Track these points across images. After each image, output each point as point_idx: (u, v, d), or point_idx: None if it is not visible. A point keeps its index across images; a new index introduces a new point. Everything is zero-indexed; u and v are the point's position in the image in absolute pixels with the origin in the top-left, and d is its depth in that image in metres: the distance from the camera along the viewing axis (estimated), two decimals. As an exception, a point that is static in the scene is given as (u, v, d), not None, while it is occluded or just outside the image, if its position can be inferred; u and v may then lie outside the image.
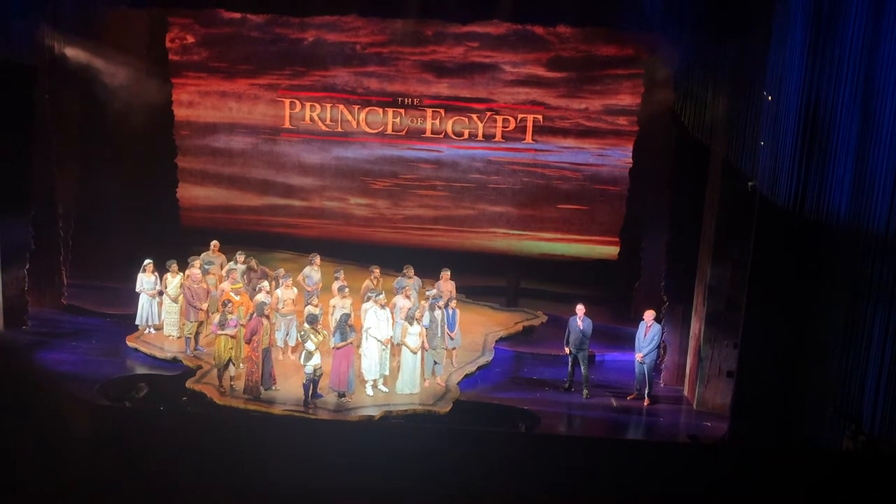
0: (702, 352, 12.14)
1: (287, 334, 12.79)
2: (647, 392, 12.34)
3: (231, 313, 11.86)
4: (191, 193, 17.21)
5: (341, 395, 11.64)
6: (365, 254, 14.85)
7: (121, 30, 15.07)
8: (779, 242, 10.11)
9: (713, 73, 11.35)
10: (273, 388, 11.75)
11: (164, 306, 13.38)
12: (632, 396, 12.48)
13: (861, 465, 6.30)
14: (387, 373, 12.09)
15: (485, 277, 15.76)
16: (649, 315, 12.36)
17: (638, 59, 15.25)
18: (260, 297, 12.19)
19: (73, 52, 14.04)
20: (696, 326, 12.51)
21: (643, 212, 15.25)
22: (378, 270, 13.29)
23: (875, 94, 8.51)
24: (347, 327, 11.61)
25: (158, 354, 12.96)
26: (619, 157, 16.08)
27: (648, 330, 12.26)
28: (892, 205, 8.29)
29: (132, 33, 15.67)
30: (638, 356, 12.31)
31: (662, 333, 12.63)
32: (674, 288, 12.96)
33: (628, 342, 12.92)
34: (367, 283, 13.10)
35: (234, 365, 11.89)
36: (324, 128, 16.70)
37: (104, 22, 14.44)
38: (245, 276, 13.33)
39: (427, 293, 12.95)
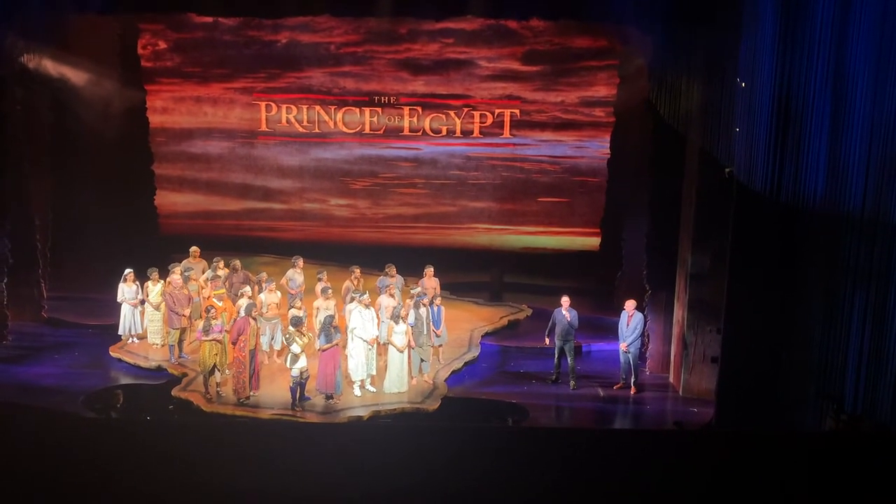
0: (685, 339, 12.24)
1: (272, 338, 12.74)
2: (633, 381, 12.42)
3: (215, 319, 11.80)
4: (169, 200, 17.06)
5: (329, 397, 11.63)
6: (347, 254, 14.79)
7: (91, 38, 14.87)
8: (757, 227, 10.21)
9: (687, 61, 11.44)
10: (252, 393, 11.66)
11: (146, 315, 13.29)
12: (618, 386, 12.56)
13: (843, 445, 6.39)
14: (374, 372, 12.09)
15: (468, 273, 15.77)
16: (630, 305, 12.45)
17: (612, 51, 15.29)
18: (242, 301, 12.14)
19: (43, 62, 13.84)
20: (678, 314, 12.60)
21: (623, 202, 15.34)
22: (359, 270, 13.26)
23: (846, 78, 8.64)
24: (332, 329, 11.59)
25: (142, 364, 12.87)
26: (597, 148, 16.16)
27: (630, 319, 12.34)
28: (867, 187, 8.44)
29: (103, 41, 15.47)
30: (622, 346, 12.39)
31: (646, 322, 12.72)
32: (655, 276, 13.04)
33: (613, 332, 12.98)
34: (347, 283, 13.09)
35: (219, 371, 11.84)
36: (301, 129, 16.63)
37: (74, 30, 14.23)
38: (227, 281, 13.27)
39: (412, 291, 12.95)
